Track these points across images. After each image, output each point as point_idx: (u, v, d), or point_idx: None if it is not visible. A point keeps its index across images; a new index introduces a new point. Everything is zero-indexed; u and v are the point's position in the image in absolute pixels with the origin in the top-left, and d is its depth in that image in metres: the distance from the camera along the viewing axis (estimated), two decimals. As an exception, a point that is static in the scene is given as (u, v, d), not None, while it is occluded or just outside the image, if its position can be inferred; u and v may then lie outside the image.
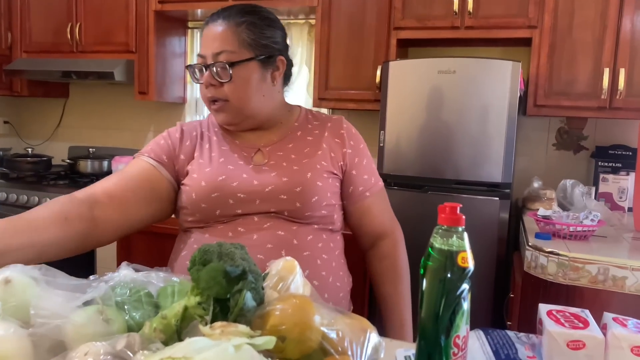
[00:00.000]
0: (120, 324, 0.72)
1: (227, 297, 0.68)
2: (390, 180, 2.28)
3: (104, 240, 1.07)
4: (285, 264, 0.83)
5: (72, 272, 0.80)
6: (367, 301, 2.34)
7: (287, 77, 1.23)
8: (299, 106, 1.28)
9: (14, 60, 3.20)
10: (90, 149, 3.29)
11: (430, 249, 0.65)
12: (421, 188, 2.23)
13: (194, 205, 1.11)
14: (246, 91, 1.12)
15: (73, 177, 3.12)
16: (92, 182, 2.93)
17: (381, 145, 2.31)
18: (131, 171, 1.14)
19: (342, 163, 1.18)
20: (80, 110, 3.58)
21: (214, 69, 1.09)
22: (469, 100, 2.15)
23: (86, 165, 3.17)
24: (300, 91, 3.02)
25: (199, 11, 2.93)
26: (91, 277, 0.92)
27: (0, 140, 3.52)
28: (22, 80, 3.24)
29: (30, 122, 3.70)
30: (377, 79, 2.49)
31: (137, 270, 0.93)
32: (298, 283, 0.82)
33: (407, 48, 2.77)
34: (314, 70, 2.69)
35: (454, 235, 0.63)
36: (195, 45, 3.25)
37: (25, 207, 2.82)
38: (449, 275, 0.63)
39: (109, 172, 3.09)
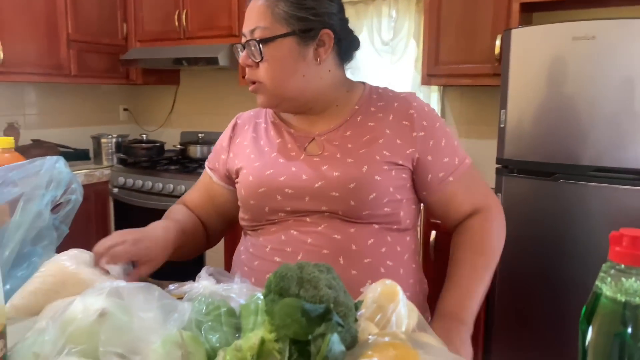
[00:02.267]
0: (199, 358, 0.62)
1: (309, 338, 0.53)
2: (513, 167, 2.00)
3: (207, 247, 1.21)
4: (385, 289, 0.66)
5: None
6: (483, 321, 2.10)
7: (345, 53, 1.06)
8: (363, 84, 1.11)
9: (129, 50, 3.34)
10: (200, 134, 3.35)
11: (597, 294, 0.44)
12: (551, 176, 1.92)
13: (244, 202, 1.06)
14: (281, 71, 0.99)
15: (183, 162, 3.20)
16: (200, 167, 3.01)
17: (502, 126, 2.02)
18: (198, 185, 1.20)
19: (411, 150, 1.01)
20: (190, 97, 3.67)
21: (250, 47, 0.99)
22: (611, 70, 1.79)
23: (195, 151, 3.23)
24: (407, 68, 2.80)
25: (300, -11, 2.80)
26: (170, 287, 0.85)
27: (120, 127, 3.72)
28: (137, 69, 3.38)
29: (146, 109, 3.87)
30: (497, 50, 2.19)
31: (218, 280, 0.84)
32: (401, 313, 0.66)
33: (531, 13, 2.41)
34: (422, 44, 2.45)
35: (635, 278, 0.42)
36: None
37: (140, 191, 2.94)
38: (629, 330, 0.42)
39: (215, 157, 3.12)
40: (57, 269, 0.81)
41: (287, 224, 1.00)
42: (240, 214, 1.09)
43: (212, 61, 2.88)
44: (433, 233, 2.20)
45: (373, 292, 0.66)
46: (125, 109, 3.82)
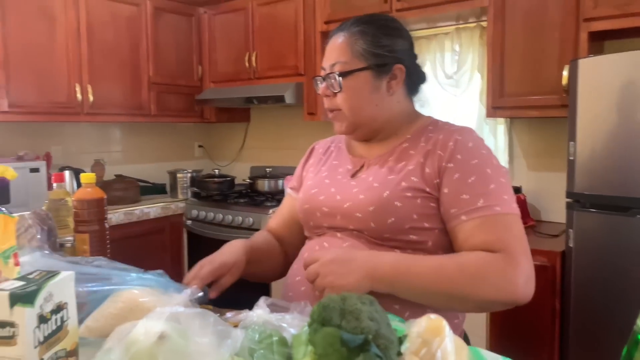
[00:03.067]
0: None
1: (349, 368, 0.55)
2: (585, 201, 1.91)
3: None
4: (430, 324, 0.66)
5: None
6: (558, 341, 1.99)
7: (414, 87, 1.16)
8: (430, 117, 1.17)
9: (204, 90, 3.55)
10: (267, 169, 3.47)
11: (638, 336, 0.43)
12: (627, 211, 1.81)
13: (299, 215, 1.20)
14: (357, 101, 1.09)
15: (252, 195, 3.31)
16: (267, 200, 3.11)
17: (571, 158, 1.95)
18: (281, 208, 1.32)
19: (437, 180, 1.01)
20: (259, 133, 3.82)
21: (330, 79, 1.10)
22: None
23: (263, 184, 3.34)
24: (472, 101, 2.77)
25: (364, 27, 2.88)
26: (228, 314, 0.89)
27: (195, 162, 3.93)
28: (211, 108, 3.59)
29: (218, 145, 4.07)
30: (564, 81, 2.13)
31: (274, 310, 0.87)
32: (447, 349, 0.65)
33: (601, 42, 2.33)
34: (486, 76, 2.43)
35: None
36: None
37: (212, 223, 3.08)
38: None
39: (282, 190, 3.21)
40: (128, 297, 0.88)
41: (324, 237, 1.11)
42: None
43: (280, 99, 3.01)
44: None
45: (418, 326, 0.66)
46: (199, 146, 4.04)
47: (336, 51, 1.10)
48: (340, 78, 1.08)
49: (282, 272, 1.24)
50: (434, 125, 1.12)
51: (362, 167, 1.13)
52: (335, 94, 1.10)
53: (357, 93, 1.09)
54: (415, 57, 1.16)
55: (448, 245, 1.02)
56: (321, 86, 1.13)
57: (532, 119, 2.53)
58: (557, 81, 2.16)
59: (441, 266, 0.93)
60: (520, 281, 0.90)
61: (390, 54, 1.09)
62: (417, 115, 1.16)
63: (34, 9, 2.74)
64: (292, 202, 1.28)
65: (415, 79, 1.15)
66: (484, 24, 2.60)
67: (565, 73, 2.12)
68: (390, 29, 1.11)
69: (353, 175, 1.13)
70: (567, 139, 1.97)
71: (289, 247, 1.26)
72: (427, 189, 1.01)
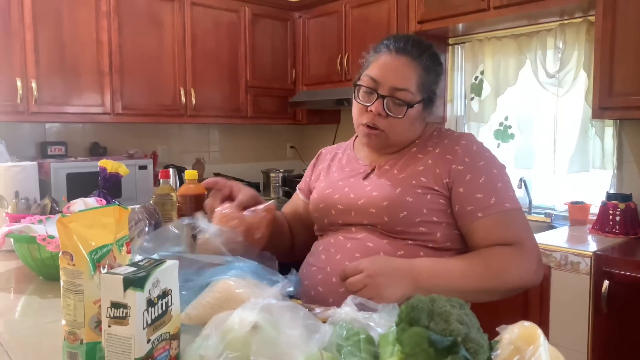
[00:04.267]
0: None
1: (436, 370, 0.55)
2: None
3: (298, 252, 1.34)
4: (524, 331, 0.64)
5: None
6: None
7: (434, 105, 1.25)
8: (433, 124, 1.26)
9: (296, 93, 3.65)
10: (357, 170, 3.49)
11: None
12: None
13: (312, 214, 1.27)
14: (404, 127, 1.16)
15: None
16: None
17: (691, 163, 1.76)
18: (290, 202, 1.44)
19: (447, 180, 1.12)
20: (348, 134, 3.81)
21: (390, 102, 1.13)
22: None
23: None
24: (576, 101, 2.60)
25: (460, 26, 2.81)
26: (317, 310, 0.92)
27: (286, 163, 4.05)
28: (302, 110, 3.68)
29: (309, 146, 4.16)
30: (685, 79, 1.93)
31: (361, 309, 0.88)
32: (541, 357, 0.62)
33: None
34: (593, 74, 2.26)
35: None
36: (457, 61, 3.14)
37: (301, 223, 3.15)
38: None
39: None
40: (224, 287, 0.94)
41: (339, 232, 1.19)
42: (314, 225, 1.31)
43: (371, 100, 3.01)
44: (605, 283, 1.98)
45: (510, 333, 0.64)
46: (291, 147, 4.16)
47: (402, 76, 1.12)
48: (406, 107, 1.12)
49: (289, 251, 1.35)
50: (438, 132, 1.22)
51: (372, 170, 1.21)
52: (387, 116, 1.13)
53: (407, 121, 1.15)
54: None
55: (455, 237, 1.13)
56: (375, 102, 1.13)
57: (645, 120, 2.33)
58: (677, 79, 1.97)
59: (470, 266, 1.05)
60: (536, 267, 1.07)
61: (438, 90, 1.19)
62: (424, 124, 1.25)
63: (145, 19, 2.99)
64: (297, 201, 1.40)
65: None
66: (592, 18, 2.42)
67: (686, 70, 1.93)
68: (441, 64, 1.20)
69: (365, 178, 1.21)
70: (688, 142, 1.78)
71: (294, 233, 1.38)
72: (436, 187, 1.11)
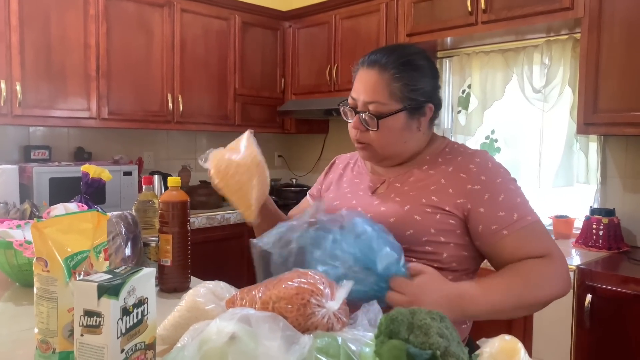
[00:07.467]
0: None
1: (415, 384, 0.54)
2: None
3: None
4: (504, 344, 0.63)
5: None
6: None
7: (436, 116, 1.21)
8: (445, 138, 1.24)
9: (285, 102, 3.65)
10: (344, 180, 3.49)
11: None
12: None
13: None
14: (389, 139, 1.14)
15: (328, 206, 3.34)
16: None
17: (673, 180, 1.79)
18: (298, 207, 1.44)
19: (462, 200, 1.09)
20: (336, 145, 3.86)
21: (363, 116, 1.13)
22: None
23: (339, 196, 3.36)
24: (561, 116, 2.63)
25: (448, 40, 2.83)
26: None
27: (274, 172, 4.04)
28: (291, 119, 3.67)
29: (297, 155, 4.15)
30: (668, 96, 1.96)
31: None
32: (521, 373, 0.62)
33: None
34: (578, 91, 2.29)
35: None
36: (445, 74, 3.16)
37: (287, 232, 3.13)
38: None
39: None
40: (192, 306, 0.92)
41: None
42: None
43: (359, 111, 3.01)
44: (588, 297, 1.99)
45: (491, 346, 0.64)
46: (279, 156, 4.14)
47: (371, 90, 1.11)
48: (377, 119, 1.11)
49: None
50: (451, 147, 1.19)
51: (382, 184, 1.20)
52: (367, 130, 1.13)
53: (390, 132, 1.13)
54: (440, 88, 1.21)
55: (462, 258, 1.11)
56: (353, 120, 1.15)
57: (629, 136, 2.36)
58: (660, 96, 2.00)
59: (508, 285, 1.03)
60: (567, 275, 1.07)
61: (423, 96, 1.14)
62: (434, 138, 1.23)
63: (134, 24, 2.97)
64: (306, 205, 1.39)
65: (438, 110, 1.20)
66: (577, 36, 2.46)
67: (669, 88, 1.96)
68: (423, 68, 1.14)
69: (373, 192, 1.20)
70: (670, 159, 1.81)
71: None
72: (447, 208, 1.09)
